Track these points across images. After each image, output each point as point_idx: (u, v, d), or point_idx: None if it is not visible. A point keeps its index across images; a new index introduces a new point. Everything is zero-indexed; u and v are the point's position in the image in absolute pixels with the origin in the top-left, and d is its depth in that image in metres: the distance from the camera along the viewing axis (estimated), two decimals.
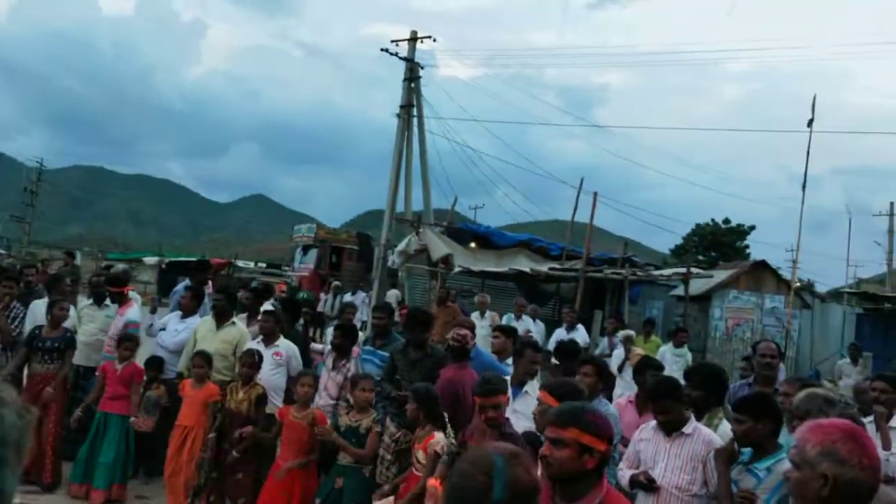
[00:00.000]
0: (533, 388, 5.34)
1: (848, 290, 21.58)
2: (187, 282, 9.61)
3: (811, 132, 14.80)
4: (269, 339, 6.74)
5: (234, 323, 7.29)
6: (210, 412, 6.14)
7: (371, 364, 6.58)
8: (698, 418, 4.33)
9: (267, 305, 8.05)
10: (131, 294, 7.16)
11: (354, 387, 5.67)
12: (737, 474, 3.85)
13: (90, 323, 7.46)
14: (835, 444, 2.09)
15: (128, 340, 6.78)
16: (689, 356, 11.32)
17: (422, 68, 23.27)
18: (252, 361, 6.12)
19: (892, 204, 36.57)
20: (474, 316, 11.53)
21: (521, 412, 5.12)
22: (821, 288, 33.05)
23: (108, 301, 7.54)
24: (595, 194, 16.38)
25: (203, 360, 6.32)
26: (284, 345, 6.78)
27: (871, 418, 4.82)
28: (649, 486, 4.07)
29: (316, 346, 7.31)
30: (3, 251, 32.95)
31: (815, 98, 15.47)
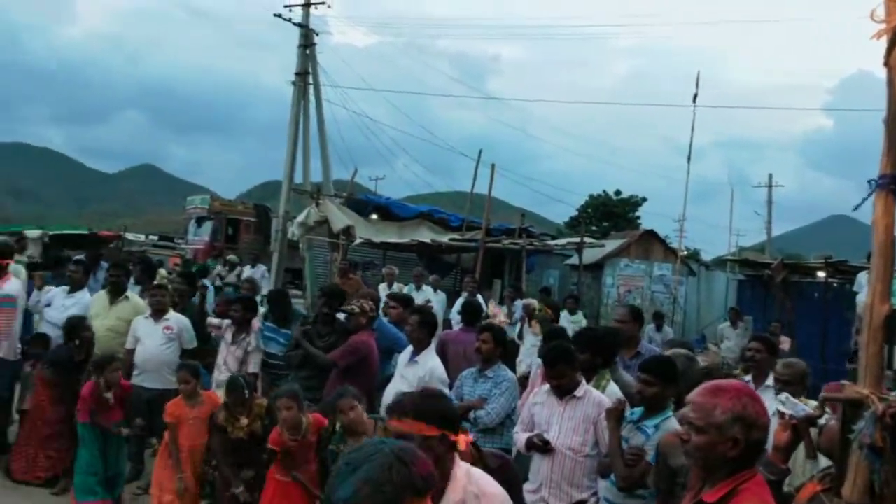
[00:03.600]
0: (424, 357, 5.46)
1: (730, 257, 22.80)
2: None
3: (695, 106, 15.47)
4: (158, 314, 6.59)
5: (127, 297, 7.10)
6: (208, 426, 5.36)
7: (275, 343, 6.57)
8: (587, 380, 4.54)
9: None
10: (12, 267, 6.79)
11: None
12: (627, 432, 4.07)
13: None
14: (745, 409, 2.15)
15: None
16: (584, 322, 11.77)
17: (317, 35, 22.78)
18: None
19: (770, 175, 38.79)
20: (381, 287, 11.57)
21: (407, 378, 5.33)
22: (706, 256, 34.92)
23: None
24: (493, 166, 16.60)
25: (190, 373, 5.49)
26: (175, 318, 6.66)
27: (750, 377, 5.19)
28: (544, 447, 4.26)
29: (213, 320, 7.18)
30: None
31: (698, 74, 16.15)
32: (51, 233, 27.96)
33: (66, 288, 7.28)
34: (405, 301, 7.44)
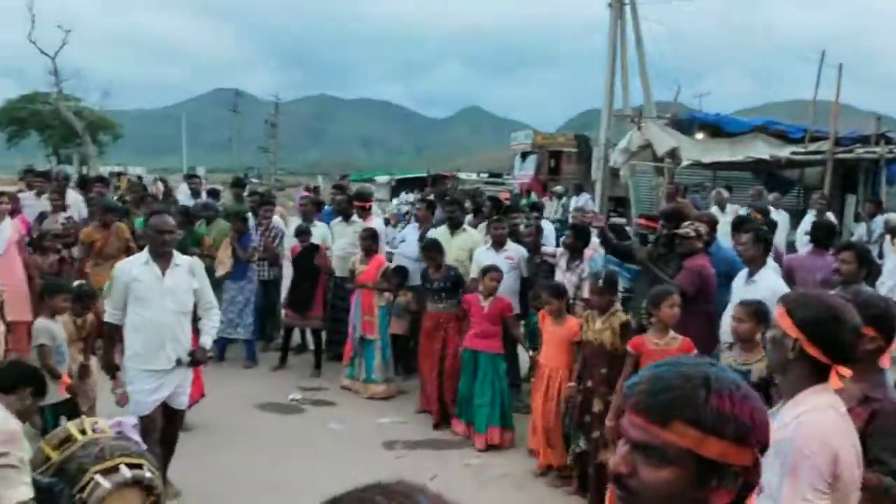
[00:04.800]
0: (762, 276, 5.08)
1: None
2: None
3: None
4: (499, 245, 6.96)
5: (465, 230, 7.65)
6: (574, 352, 5.46)
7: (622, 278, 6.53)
8: None
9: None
10: (374, 209, 7.76)
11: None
12: None
13: (340, 238, 8.16)
14: None
15: (494, 271, 6.25)
16: None
17: None
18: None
19: None
20: (714, 210, 10.99)
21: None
22: None
23: (354, 217, 8.20)
24: (840, 66, 14.62)
25: (554, 294, 5.57)
26: (514, 248, 7.00)
27: None
28: None
29: (547, 248, 7.41)
30: (255, 179, 36.50)
31: None
32: (397, 177, 31.08)
33: (416, 225, 8.08)
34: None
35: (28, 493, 2.86)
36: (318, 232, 8.45)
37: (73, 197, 9.61)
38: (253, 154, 58.71)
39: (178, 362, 4.80)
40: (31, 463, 3.05)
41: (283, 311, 8.52)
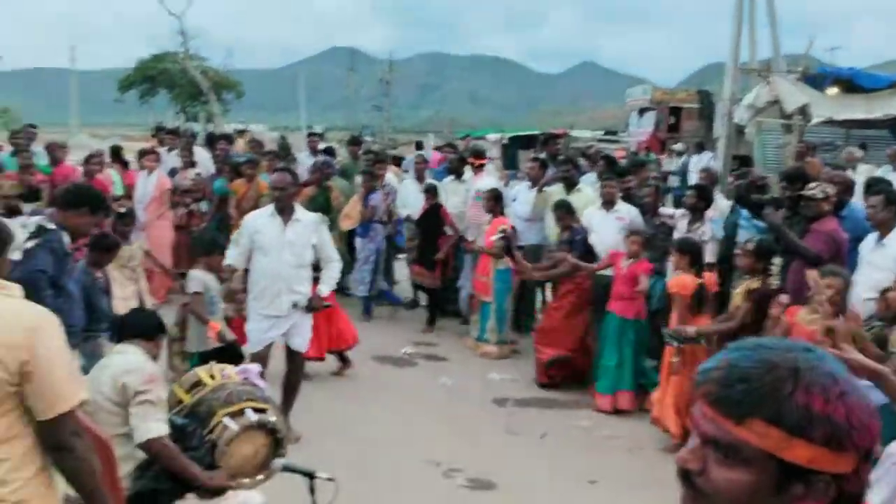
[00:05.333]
0: (893, 239, 4.86)
1: None
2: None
3: None
4: (609, 205, 6.82)
5: (579, 189, 7.53)
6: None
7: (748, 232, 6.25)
8: None
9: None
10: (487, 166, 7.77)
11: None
12: None
13: (453, 196, 8.21)
14: None
15: (634, 234, 6.24)
16: None
17: None
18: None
19: None
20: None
21: (875, 263, 4.85)
22: None
23: (466, 174, 8.24)
24: None
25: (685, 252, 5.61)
26: (624, 209, 6.84)
27: None
28: None
29: (665, 210, 7.18)
30: (369, 138, 37.13)
31: None
32: (508, 135, 30.83)
33: (528, 184, 8.01)
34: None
35: (164, 428, 3.10)
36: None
37: (201, 154, 10.08)
38: (368, 112, 59.60)
39: (295, 306, 5.07)
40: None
41: (410, 268, 8.65)
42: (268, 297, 5.05)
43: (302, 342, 5.24)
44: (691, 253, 5.54)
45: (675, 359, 5.32)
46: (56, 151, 9.09)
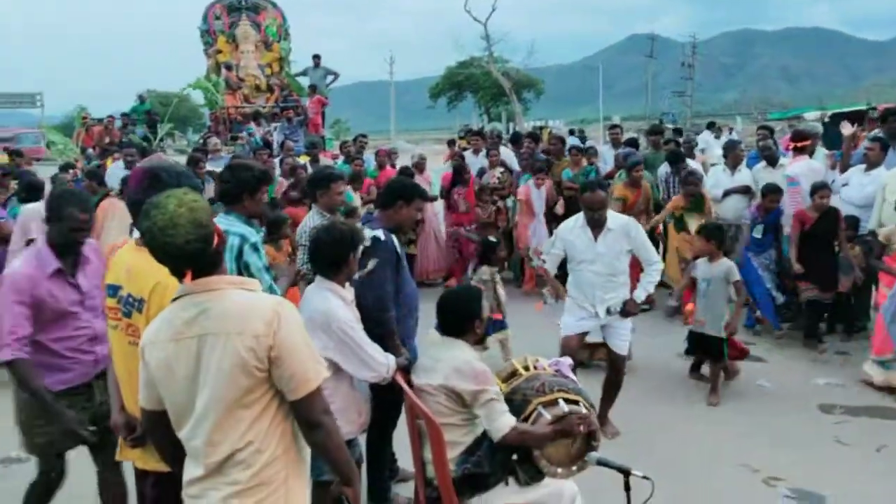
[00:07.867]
0: None
1: None
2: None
3: None
4: None
5: None
6: None
7: None
8: None
9: None
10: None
11: None
12: None
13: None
14: None
15: None
16: None
17: None
18: None
19: None
20: None
21: None
22: None
23: (782, 160, 7.66)
24: None
25: None
26: None
27: None
28: None
29: None
30: (669, 125, 35.87)
31: None
32: (829, 112, 27.78)
33: (864, 166, 7.16)
34: None
35: (512, 420, 3.26)
36: (742, 177, 7.99)
37: (506, 153, 10.49)
38: (668, 99, 57.64)
39: (609, 312, 5.05)
40: None
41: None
42: (580, 299, 5.10)
43: (622, 345, 5.21)
44: None
45: None
46: (382, 157, 10.19)
